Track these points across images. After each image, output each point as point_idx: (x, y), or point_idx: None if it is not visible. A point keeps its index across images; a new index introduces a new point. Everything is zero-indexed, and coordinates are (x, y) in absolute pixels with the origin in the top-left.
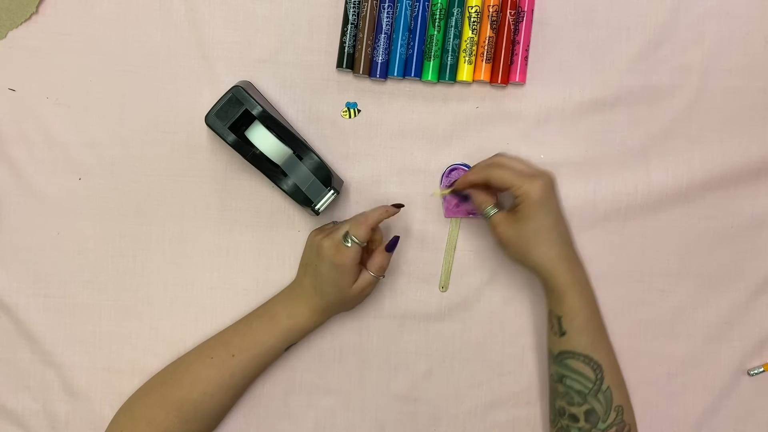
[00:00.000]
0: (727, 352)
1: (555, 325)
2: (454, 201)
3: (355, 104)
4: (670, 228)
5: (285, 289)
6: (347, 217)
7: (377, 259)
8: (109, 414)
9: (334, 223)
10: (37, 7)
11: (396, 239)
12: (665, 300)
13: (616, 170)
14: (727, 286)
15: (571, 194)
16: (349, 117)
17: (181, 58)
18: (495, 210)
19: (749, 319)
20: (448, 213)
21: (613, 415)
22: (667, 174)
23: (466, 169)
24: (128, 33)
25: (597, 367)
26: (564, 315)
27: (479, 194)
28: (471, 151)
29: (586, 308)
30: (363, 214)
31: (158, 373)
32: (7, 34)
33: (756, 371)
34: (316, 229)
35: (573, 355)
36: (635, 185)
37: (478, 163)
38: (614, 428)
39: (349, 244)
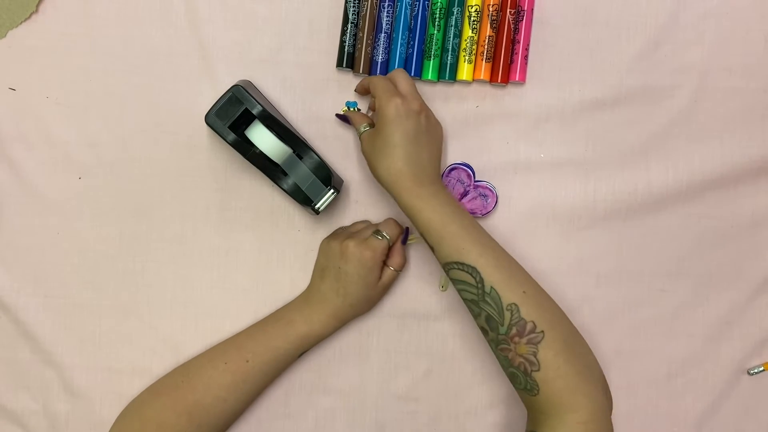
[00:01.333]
0: (727, 352)
1: (426, 242)
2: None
3: (354, 103)
4: (670, 228)
5: (300, 295)
6: (347, 217)
7: (395, 253)
8: (108, 414)
9: (343, 228)
10: (37, 6)
11: (407, 231)
12: (665, 300)
13: (616, 170)
14: (727, 286)
15: (571, 194)
16: None
17: (181, 58)
18: (366, 128)
19: (749, 319)
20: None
21: (507, 315)
22: (667, 174)
23: (467, 168)
24: (128, 33)
25: (472, 270)
26: (423, 230)
27: (357, 114)
28: (471, 150)
29: (438, 218)
30: (393, 219)
31: (168, 375)
32: (7, 33)
33: (756, 371)
34: (330, 236)
35: (449, 265)
36: (635, 185)
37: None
38: (514, 329)
39: (380, 238)
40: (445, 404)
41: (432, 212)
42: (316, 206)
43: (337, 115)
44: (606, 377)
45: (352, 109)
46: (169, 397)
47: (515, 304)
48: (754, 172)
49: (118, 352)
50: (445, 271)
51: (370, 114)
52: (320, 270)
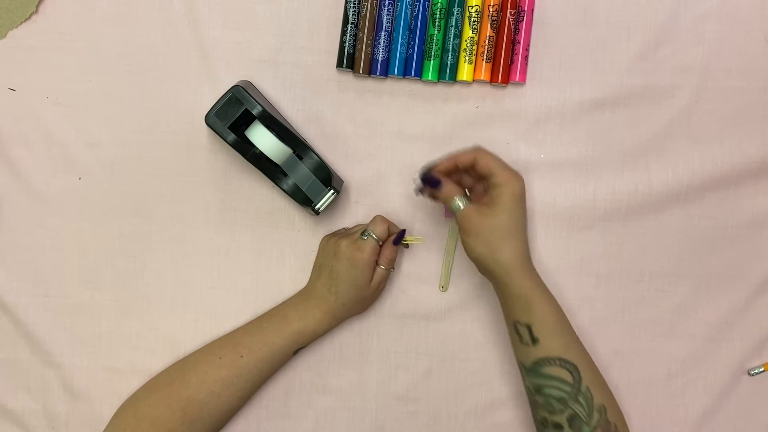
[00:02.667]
0: (727, 352)
1: (525, 335)
2: None
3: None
4: (670, 228)
5: (298, 292)
6: (347, 217)
7: (386, 251)
8: (108, 414)
9: (345, 229)
10: (37, 6)
11: (402, 233)
12: (665, 300)
13: (616, 170)
14: (727, 286)
15: (571, 194)
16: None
17: (181, 58)
18: (465, 201)
19: (749, 319)
20: (448, 213)
21: (596, 415)
22: (667, 174)
23: None
24: (128, 33)
25: (573, 369)
26: (534, 322)
27: (450, 182)
28: None
29: (554, 311)
30: (381, 216)
31: (163, 371)
32: (6, 33)
33: (756, 371)
34: (328, 234)
35: (548, 361)
36: (635, 185)
37: (459, 151)
38: (599, 429)
39: (366, 238)
40: (445, 404)
41: (549, 304)
42: (316, 207)
43: (425, 175)
44: (606, 377)
45: (412, 240)
46: (164, 392)
47: (604, 406)
48: (754, 172)
49: (118, 352)
50: (535, 366)
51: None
52: (317, 267)
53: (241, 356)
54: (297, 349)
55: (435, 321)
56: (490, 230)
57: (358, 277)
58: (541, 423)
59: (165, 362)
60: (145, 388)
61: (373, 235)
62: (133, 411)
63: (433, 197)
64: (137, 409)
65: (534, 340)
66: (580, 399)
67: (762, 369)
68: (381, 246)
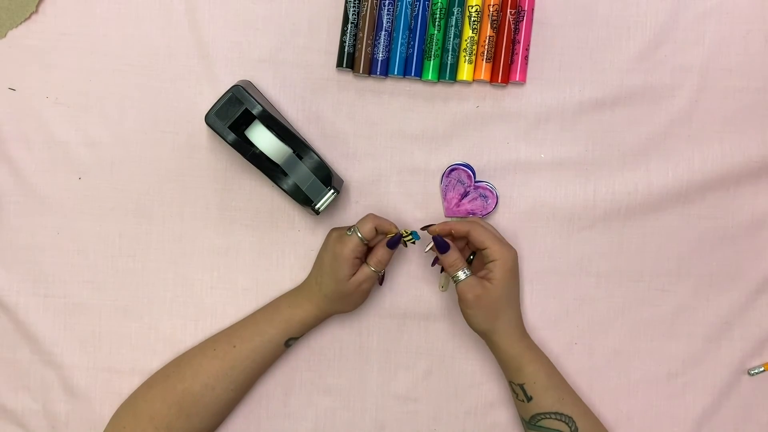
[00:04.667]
0: (727, 352)
1: (519, 393)
2: (455, 201)
3: (416, 234)
4: (670, 228)
5: (298, 285)
6: (347, 217)
7: (378, 252)
8: (108, 414)
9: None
10: (37, 6)
11: (399, 237)
12: (665, 300)
13: (616, 170)
14: (727, 286)
15: (571, 194)
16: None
17: (181, 58)
18: (466, 274)
19: (749, 319)
20: (449, 212)
21: None
22: (667, 174)
23: (466, 169)
24: (128, 33)
25: (569, 420)
26: (526, 382)
27: (456, 252)
28: (471, 150)
29: (545, 369)
30: (372, 215)
31: (161, 368)
32: (7, 33)
33: (756, 371)
34: (335, 234)
35: (544, 416)
36: (635, 185)
37: (455, 220)
38: None
39: (350, 233)
40: (445, 404)
41: (540, 364)
42: (316, 206)
43: (436, 239)
44: (606, 377)
45: (414, 240)
46: (160, 388)
47: None
48: (754, 172)
49: (118, 352)
50: (533, 420)
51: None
52: (316, 259)
53: (234, 346)
54: (288, 338)
55: (435, 321)
56: (487, 304)
57: (337, 270)
58: None
59: (165, 362)
60: (144, 385)
61: (358, 233)
62: (131, 409)
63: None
64: (136, 406)
65: (528, 398)
66: None
67: (762, 369)
68: (368, 245)
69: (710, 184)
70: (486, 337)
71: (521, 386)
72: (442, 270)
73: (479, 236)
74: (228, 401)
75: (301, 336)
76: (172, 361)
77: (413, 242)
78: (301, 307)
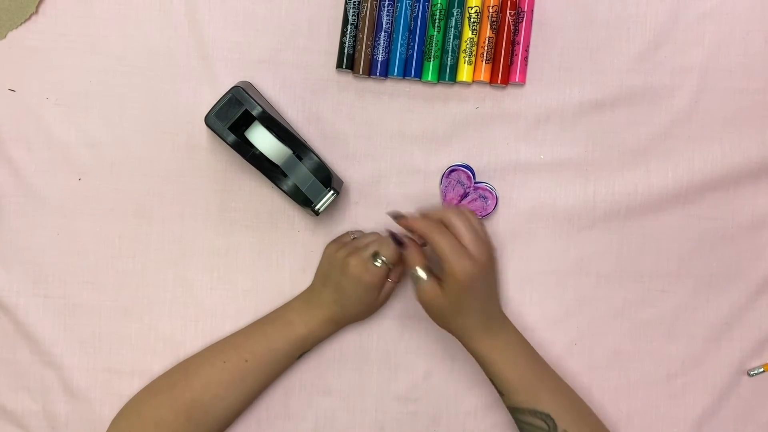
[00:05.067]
0: (727, 352)
1: (493, 385)
2: (454, 201)
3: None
4: (670, 228)
5: (301, 295)
6: (347, 218)
7: (399, 270)
8: (108, 414)
9: (350, 233)
10: (37, 7)
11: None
12: (665, 300)
13: (616, 170)
14: (727, 286)
15: (571, 194)
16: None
17: (181, 58)
18: (424, 274)
19: (749, 319)
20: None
21: None
22: (667, 174)
23: (466, 170)
24: (128, 33)
25: (546, 417)
26: (494, 378)
27: (414, 251)
28: (471, 151)
29: (514, 367)
30: (390, 235)
31: (165, 373)
32: (7, 34)
33: (756, 371)
34: (335, 243)
35: (519, 411)
36: (635, 185)
37: (432, 213)
38: None
39: (379, 264)
40: (445, 404)
41: (506, 364)
42: (316, 207)
43: (393, 235)
44: (606, 377)
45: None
46: (167, 395)
47: None
48: (754, 172)
49: (118, 352)
50: (512, 413)
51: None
52: (323, 275)
53: (246, 361)
54: (301, 353)
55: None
56: (440, 308)
57: (365, 296)
58: None
59: (165, 362)
60: (148, 390)
61: (386, 261)
62: (136, 413)
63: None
64: (140, 411)
65: (501, 393)
66: None
67: (762, 369)
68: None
69: (710, 184)
70: (459, 339)
71: (492, 381)
72: None
73: (436, 247)
74: (237, 410)
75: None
76: (176, 368)
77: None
78: (318, 326)
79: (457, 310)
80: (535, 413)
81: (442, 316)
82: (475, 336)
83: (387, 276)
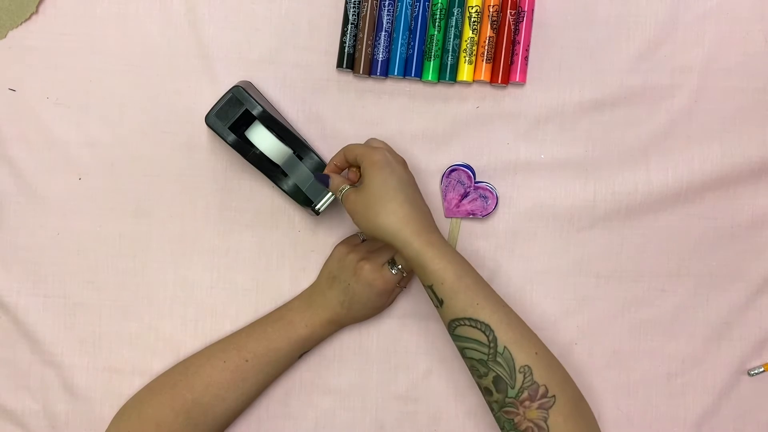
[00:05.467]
0: (727, 352)
1: (432, 297)
2: (455, 201)
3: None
4: (670, 228)
5: (302, 294)
6: (347, 218)
7: (410, 277)
8: (109, 414)
9: (358, 236)
10: (37, 7)
11: None
12: (665, 300)
13: (616, 170)
14: (727, 286)
15: (571, 194)
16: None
17: (181, 58)
18: (347, 187)
19: (749, 319)
20: (448, 213)
21: (519, 377)
22: (667, 174)
23: (466, 169)
24: (128, 33)
25: (485, 328)
26: (433, 282)
27: (335, 176)
28: (471, 151)
29: (452, 267)
30: None
31: (165, 373)
32: (7, 34)
33: (756, 371)
34: (345, 244)
35: (458, 321)
36: (635, 185)
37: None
38: (526, 392)
39: (395, 272)
40: (445, 404)
41: (447, 262)
42: (316, 207)
43: (316, 175)
44: (606, 377)
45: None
46: (167, 395)
47: (528, 366)
48: (754, 172)
49: (118, 352)
50: (451, 329)
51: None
52: (330, 276)
53: (246, 361)
54: (302, 353)
55: (435, 321)
56: (364, 203)
57: (375, 300)
58: (482, 391)
59: (165, 362)
60: (148, 390)
61: (401, 269)
62: (136, 413)
63: None
64: (140, 411)
65: (439, 300)
66: (500, 360)
67: (762, 369)
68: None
69: (710, 184)
70: (386, 241)
71: (430, 287)
72: None
73: (351, 151)
74: (237, 410)
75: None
76: (177, 368)
77: None
78: (320, 326)
79: (383, 197)
80: (475, 322)
81: (368, 216)
82: (407, 231)
83: (398, 282)
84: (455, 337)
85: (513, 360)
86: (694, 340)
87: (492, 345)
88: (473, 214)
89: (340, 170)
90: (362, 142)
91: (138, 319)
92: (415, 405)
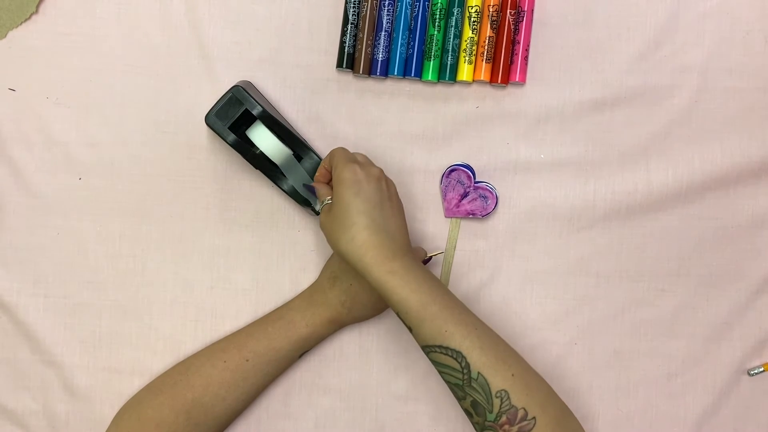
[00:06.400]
0: (727, 352)
1: (402, 322)
2: (455, 201)
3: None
4: (670, 228)
5: (303, 294)
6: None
7: None
8: (109, 414)
9: None
10: (37, 7)
11: (429, 259)
12: (665, 300)
13: (616, 170)
14: (727, 286)
15: (571, 194)
16: None
17: (181, 58)
18: (329, 200)
19: (749, 319)
20: (448, 213)
21: (497, 402)
22: (667, 174)
23: (466, 169)
24: (128, 33)
25: (457, 354)
26: (398, 311)
27: (322, 186)
28: (471, 151)
29: (415, 296)
30: (419, 248)
31: (166, 373)
32: (7, 34)
33: (756, 371)
34: None
35: (429, 348)
36: (635, 185)
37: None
38: (504, 416)
39: None
40: (445, 404)
41: (409, 291)
42: (316, 207)
43: (305, 186)
44: (606, 377)
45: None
46: (168, 395)
47: (505, 391)
48: (754, 172)
49: (118, 352)
50: (425, 353)
51: None
52: (331, 276)
53: (247, 360)
54: (303, 352)
55: None
56: (330, 224)
57: (378, 302)
58: (465, 413)
59: (165, 362)
60: (148, 390)
61: None
62: (136, 413)
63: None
64: (140, 411)
65: (409, 328)
66: (475, 386)
67: (762, 369)
68: None
69: (710, 184)
70: (351, 266)
71: (398, 315)
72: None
73: (332, 158)
74: (238, 410)
75: None
76: (177, 367)
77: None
78: (321, 325)
79: (346, 219)
80: (446, 350)
81: (333, 235)
82: (371, 257)
83: None
84: (432, 362)
85: (488, 385)
86: (694, 340)
87: (465, 371)
88: (473, 214)
89: (329, 174)
90: (359, 143)
91: (138, 319)
92: (415, 405)
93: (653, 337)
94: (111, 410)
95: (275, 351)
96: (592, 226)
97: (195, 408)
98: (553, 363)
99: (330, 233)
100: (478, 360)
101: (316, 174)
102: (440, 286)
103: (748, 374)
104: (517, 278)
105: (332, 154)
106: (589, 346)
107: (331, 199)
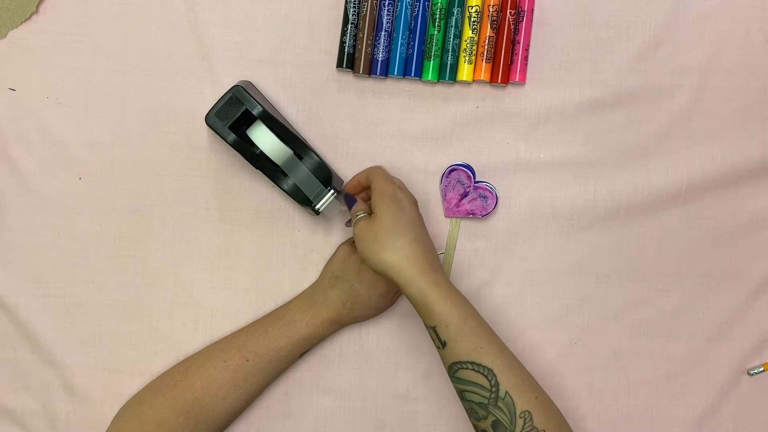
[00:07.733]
0: (727, 352)
1: (434, 338)
2: (454, 201)
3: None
4: (670, 228)
5: (303, 294)
6: (348, 218)
7: None
8: (109, 414)
9: None
10: (37, 6)
11: None
12: (665, 300)
13: (616, 170)
14: (727, 286)
15: (571, 194)
16: None
17: (181, 58)
18: (363, 214)
19: (749, 319)
20: (448, 213)
21: (520, 422)
22: (667, 174)
23: (466, 169)
24: (128, 33)
25: (489, 372)
26: (437, 324)
27: (361, 202)
28: (471, 151)
29: (460, 312)
30: None
31: (166, 373)
32: (7, 33)
33: (756, 371)
34: (348, 244)
35: (460, 365)
36: (635, 185)
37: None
38: None
39: None
40: (445, 404)
41: (451, 305)
42: (316, 207)
43: (346, 196)
44: (606, 377)
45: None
46: (168, 395)
47: (529, 412)
48: (754, 172)
49: (118, 352)
50: (452, 371)
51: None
52: (332, 276)
53: (247, 360)
54: (303, 352)
55: None
56: (372, 233)
57: (378, 301)
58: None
59: (165, 362)
60: (148, 389)
61: None
62: (136, 414)
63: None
64: (141, 411)
65: (442, 343)
66: (501, 405)
67: (762, 369)
68: None
69: (710, 184)
70: (390, 276)
71: (433, 329)
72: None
73: (371, 176)
74: (238, 409)
75: None
76: (177, 367)
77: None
78: (321, 326)
79: (391, 232)
80: (478, 366)
81: (375, 244)
82: (412, 271)
83: None
84: (455, 380)
85: (514, 405)
86: (694, 340)
87: (494, 389)
88: (473, 214)
89: (362, 188)
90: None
91: (138, 319)
92: (415, 405)
93: (653, 338)
94: (111, 410)
95: (276, 351)
96: (592, 226)
97: (195, 408)
98: (553, 363)
99: (370, 244)
100: (507, 379)
101: (348, 185)
102: (471, 305)
103: (748, 374)
104: (517, 278)
105: (373, 170)
106: (588, 346)
107: (365, 213)
